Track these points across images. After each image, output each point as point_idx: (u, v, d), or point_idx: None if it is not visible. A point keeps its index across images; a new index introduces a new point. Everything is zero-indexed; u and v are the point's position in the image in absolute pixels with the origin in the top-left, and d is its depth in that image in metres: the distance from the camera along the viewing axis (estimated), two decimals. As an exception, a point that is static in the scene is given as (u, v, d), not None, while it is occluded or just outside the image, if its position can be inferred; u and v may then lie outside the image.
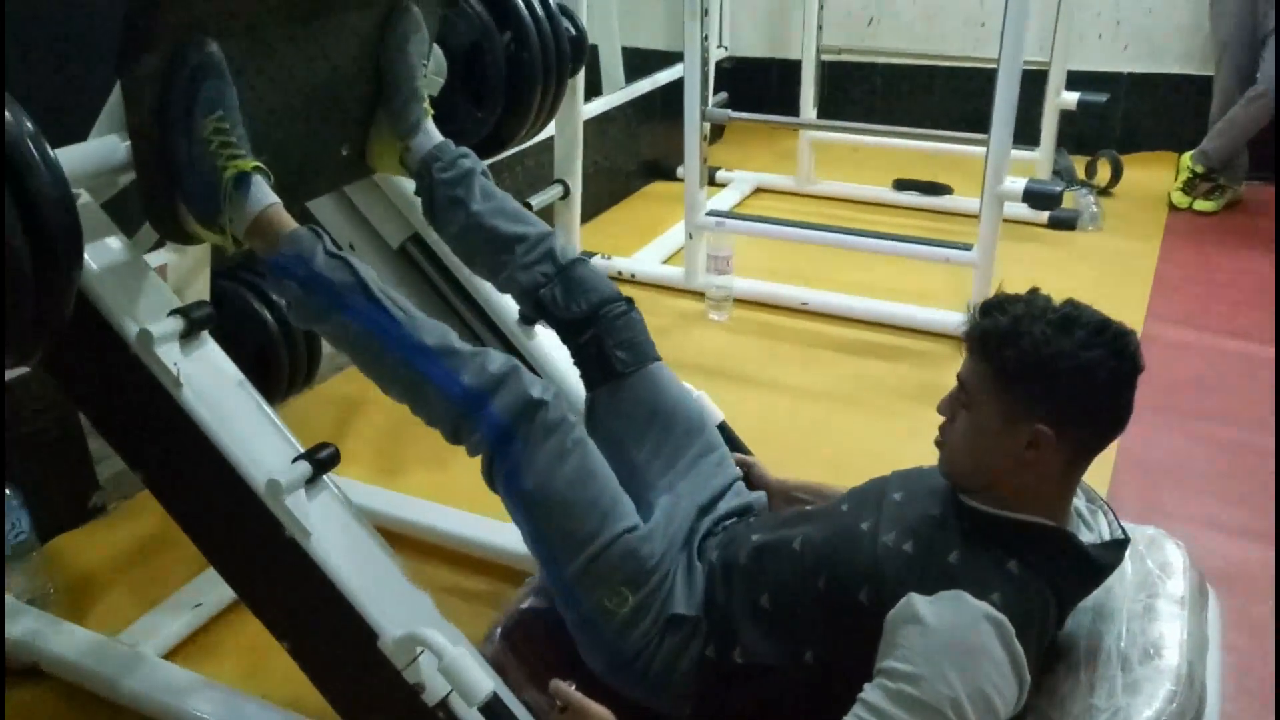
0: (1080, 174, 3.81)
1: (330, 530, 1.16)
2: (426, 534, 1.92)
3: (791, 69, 3.91)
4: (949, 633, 0.98)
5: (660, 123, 4.00)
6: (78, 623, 1.70)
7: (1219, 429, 2.29)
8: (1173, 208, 3.64)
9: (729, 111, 3.36)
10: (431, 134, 1.48)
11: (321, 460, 1.19)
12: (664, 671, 1.20)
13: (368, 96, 1.47)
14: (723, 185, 3.95)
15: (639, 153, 4.06)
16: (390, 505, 1.96)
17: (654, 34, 4.21)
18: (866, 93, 4.54)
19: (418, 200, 1.53)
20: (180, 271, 1.76)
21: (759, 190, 4.00)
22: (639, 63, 3.91)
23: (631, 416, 1.37)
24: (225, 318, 1.65)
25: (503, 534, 1.87)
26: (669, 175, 4.11)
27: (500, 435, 1.19)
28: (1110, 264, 3.24)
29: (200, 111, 1.19)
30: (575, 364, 1.44)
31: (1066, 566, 1.08)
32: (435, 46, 1.59)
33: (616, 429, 1.36)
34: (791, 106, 3.89)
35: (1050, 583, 1.05)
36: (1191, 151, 3.61)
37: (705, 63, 2.94)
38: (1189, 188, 3.60)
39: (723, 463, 1.40)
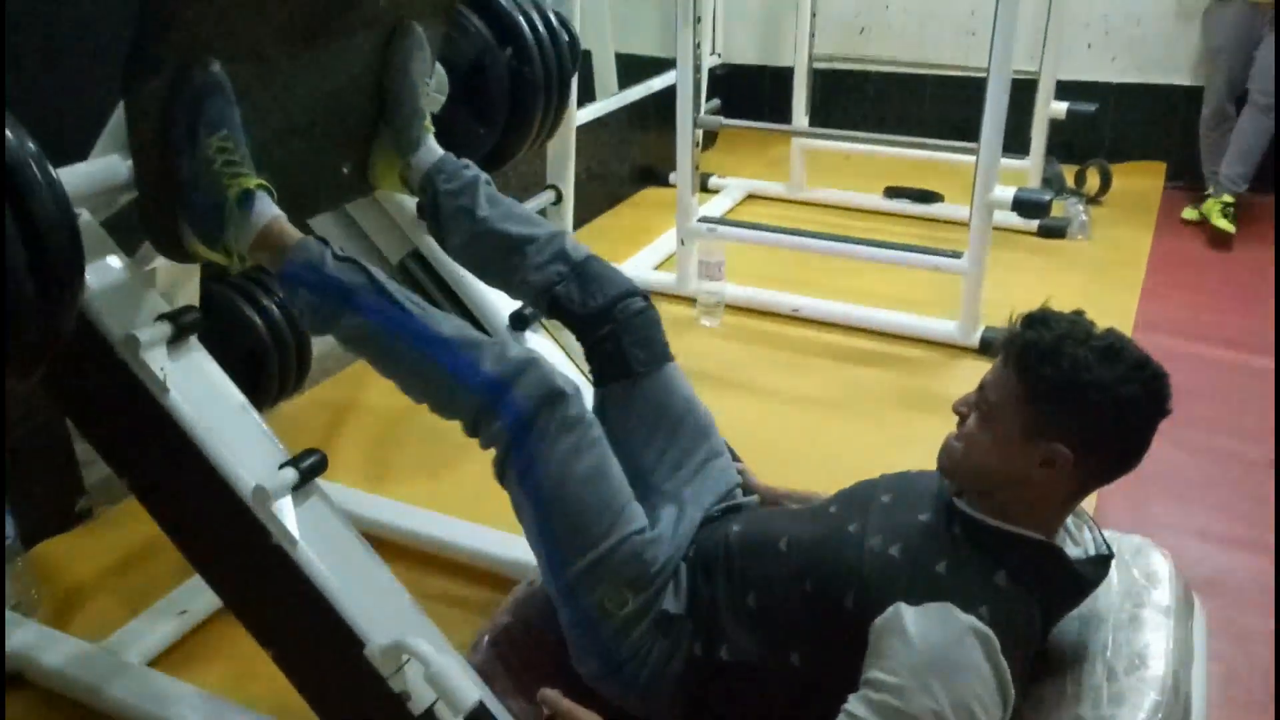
0: (1070, 183, 3.83)
1: (316, 537, 1.16)
2: (414, 540, 1.92)
3: (784, 76, 3.92)
4: (935, 646, 0.98)
5: (653, 129, 4.00)
6: (63, 629, 1.70)
7: (1207, 438, 2.29)
8: (1183, 222, 3.63)
9: (721, 118, 3.37)
10: (433, 150, 1.48)
11: (308, 467, 1.19)
12: (655, 675, 1.19)
13: (370, 114, 1.47)
14: (715, 192, 3.96)
15: (632, 159, 4.07)
16: (378, 511, 1.96)
17: (647, 40, 4.22)
18: (858, 100, 4.56)
19: (416, 216, 1.53)
20: (170, 275, 1.75)
21: (751, 197, 4.01)
22: (632, 69, 3.91)
23: (642, 416, 1.36)
24: (215, 322, 1.65)
25: (491, 541, 1.87)
26: (661, 181, 4.11)
27: (521, 424, 1.17)
28: (1099, 272, 3.26)
29: (204, 131, 1.19)
30: (588, 359, 1.41)
31: (1054, 582, 1.08)
32: (437, 64, 1.59)
33: (626, 427, 1.35)
34: (784, 114, 3.90)
35: (1037, 597, 1.06)
36: (1214, 189, 3.56)
37: (698, 69, 2.95)
38: (1227, 217, 3.51)
39: (727, 469, 1.40)
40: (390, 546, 1.84)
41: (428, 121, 1.49)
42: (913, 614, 1.00)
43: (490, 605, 1.34)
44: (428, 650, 1.06)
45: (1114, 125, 4.13)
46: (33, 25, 1.83)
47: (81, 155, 1.25)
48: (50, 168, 0.97)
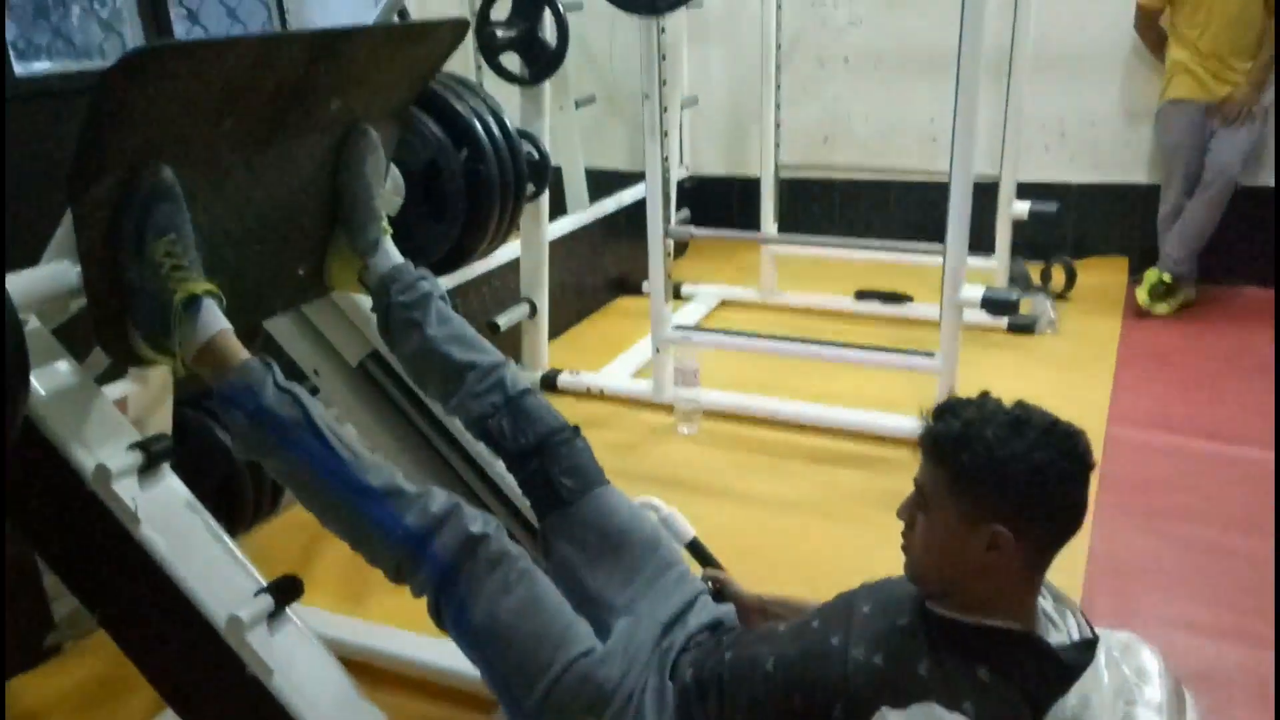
0: (1035, 280, 3.93)
1: (294, 665, 1.14)
2: (393, 662, 1.87)
3: (751, 186, 4.04)
4: None
5: (625, 240, 4.09)
6: (27, 772, 1.63)
7: (1189, 528, 2.30)
8: (1136, 313, 3.72)
9: (691, 228, 3.46)
10: (390, 254, 1.51)
11: (283, 593, 1.18)
12: None
13: (324, 217, 1.50)
14: (688, 299, 4.03)
15: (605, 269, 4.15)
16: (355, 634, 1.91)
17: (616, 155, 4.36)
18: (825, 206, 4.70)
19: (374, 317, 1.55)
20: (142, 402, 1.75)
21: (724, 303, 4.07)
22: (603, 183, 4.03)
23: (583, 541, 1.38)
24: (188, 448, 1.64)
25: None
26: (635, 290, 4.18)
27: (444, 574, 1.20)
28: (1070, 367, 3.31)
29: (151, 235, 1.21)
30: (523, 492, 1.46)
31: (1036, 670, 1.07)
32: (393, 166, 1.63)
33: (569, 555, 1.37)
34: (752, 222, 4.00)
35: (1021, 688, 1.05)
36: (1156, 265, 3.71)
37: (666, 182, 3.03)
38: (1154, 294, 3.69)
39: (683, 578, 1.39)
40: (368, 669, 1.79)
41: (385, 223, 1.52)
42: (897, 716, 1.00)
43: (473, 730, 1.31)
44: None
45: (1076, 223, 4.27)
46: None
47: (32, 261, 1.27)
48: None
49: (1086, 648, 1.11)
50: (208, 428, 1.82)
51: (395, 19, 1.74)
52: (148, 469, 1.20)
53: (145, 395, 1.75)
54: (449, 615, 1.21)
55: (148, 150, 1.17)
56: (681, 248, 4.50)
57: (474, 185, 1.73)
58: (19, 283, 1.13)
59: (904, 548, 1.15)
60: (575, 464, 1.42)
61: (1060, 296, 3.88)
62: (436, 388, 1.50)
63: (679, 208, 4.07)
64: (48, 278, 1.22)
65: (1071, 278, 3.92)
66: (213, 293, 1.25)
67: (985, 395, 1.13)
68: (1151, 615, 2.04)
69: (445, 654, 1.83)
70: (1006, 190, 3.68)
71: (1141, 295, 3.70)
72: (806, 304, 3.96)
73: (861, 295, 3.87)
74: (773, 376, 3.20)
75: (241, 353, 1.25)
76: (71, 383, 1.22)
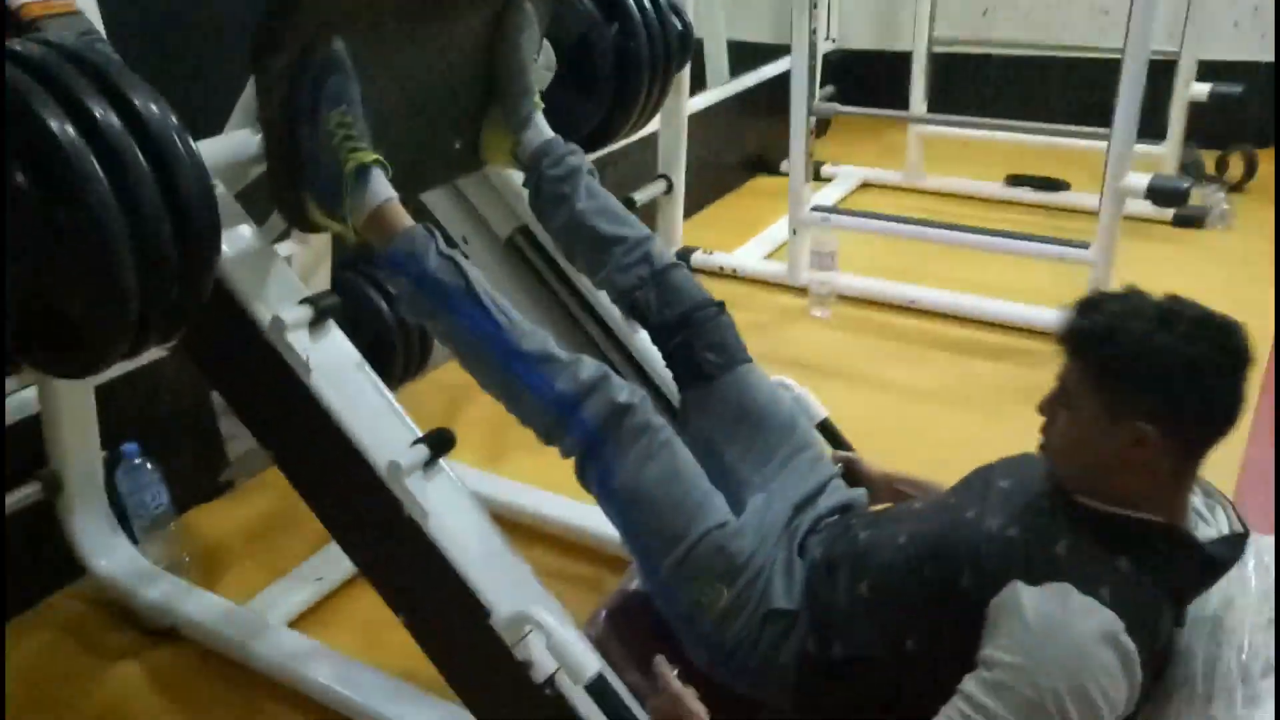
0: (1210, 169, 3.64)
1: (446, 511, 1.21)
2: (532, 519, 1.98)
3: (901, 61, 3.83)
4: (1053, 627, 0.96)
5: (765, 117, 3.98)
6: (210, 590, 1.82)
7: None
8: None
9: (836, 105, 3.33)
10: (542, 129, 1.53)
11: (438, 445, 1.24)
12: (764, 664, 1.21)
13: (480, 91, 1.52)
14: (828, 180, 3.92)
15: (743, 147, 4.06)
16: (497, 490, 2.03)
17: (760, 27, 4.19)
18: (980, 85, 4.43)
19: (525, 192, 1.58)
20: (304, 262, 1.86)
21: (865, 185, 3.94)
22: (744, 56, 3.90)
23: (721, 416, 1.40)
24: (344, 307, 1.74)
25: (604, 521, 1.90)
26: (773, 170, 4.09)
27: (591, 438, 1.25)
28: (1240, 265, 3.08)
29: (325, 106, 1.25)
30: (668, 365, 1.48)
31: (1181, 564, 1.05)
32: (544, 40, 1.63)
33: (707, 429, 1.39)
34: (900, 100, 3.82)
35: (1163, 582, 1.03)
36: None
37: (813, 55, 2.92)
38: None
39: (817, 461, 1.41)
40: (509, 524, 1.90)
41: (537, 99, 1.53)
42: (1030, 593, 0.99)
43: (605, 582, 1.39)
44: (551, 621, 1.11)
45: (1262, 108, 3.89)
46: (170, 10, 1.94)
47: (215, 130, 1.34)
48: (191, 141, 1.04)
49: (1236, 542, 1.07)
50: (362, 289, 1.92)
51: None
52: (316, 323, 1.28)
53: (307, 256, 1.85)
54: (594, 478, 1.27)
55: (321, 23, 1.21)
56: (824, 126, 4.34)
57: (623, 62, 1.70)
58: (208, 150, 1.18)
59: (1042, 445, 1.13)
60: (719, 340, 1.43)
61: (1236, 188, 3.59)
62: (585, 260, 1.53)
63: (824, 83, 3.91)
64: (232, 146, 1.28)
65: (1252, 168, 3.61)
66: (381, 163, 1.29)
67: (1132, 288, 1.07)
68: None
69: (580, 513, 1.94)
70: (1185, 70, 3.38)
71: None
72: (953, 189, 3.79)
73: (1013, 180, 3.68)
74: (913, 263, 3.11)
75: (407, 220, 1.30)
76: (252, 245, 1.30)
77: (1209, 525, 1.10)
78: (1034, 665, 0.94)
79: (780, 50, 3.51)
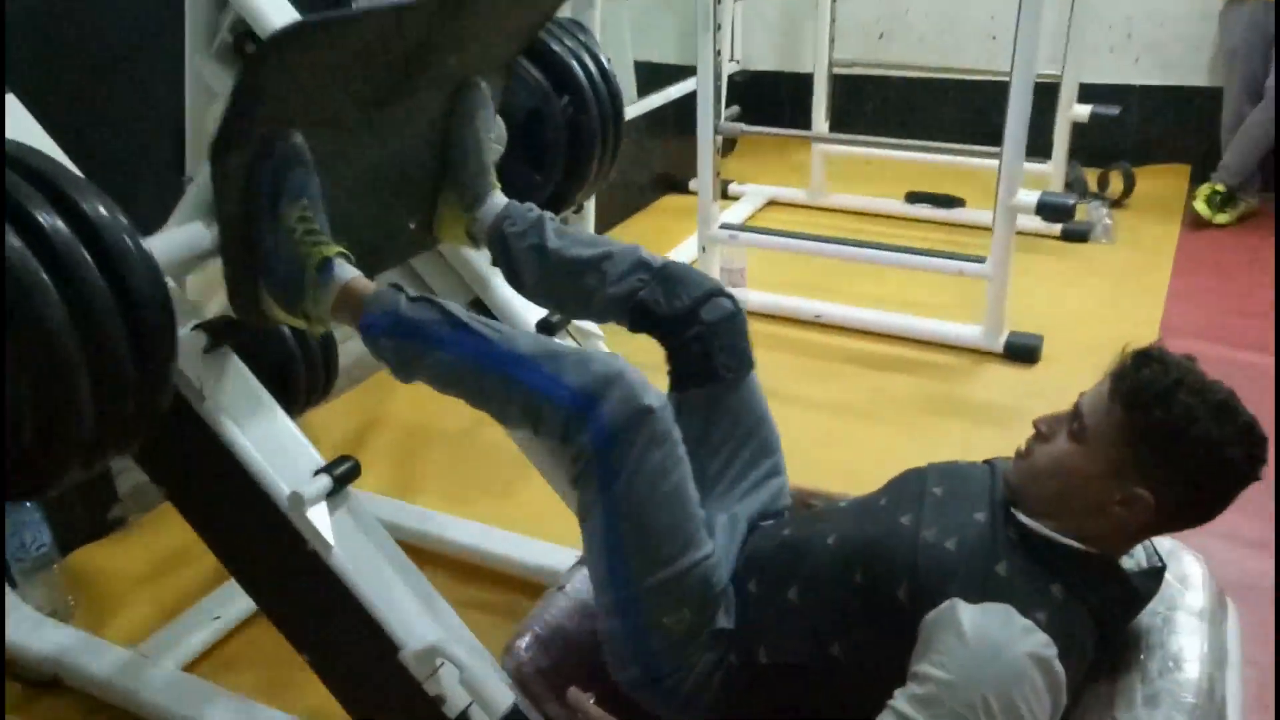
0: (1093, 186, 3.82)
1: (351, 543, 1.18)
2: (443, 546, 1.93)
3: (803, 82, 3.92)
4: (991, 645, 0.96)
5: (672, 136, 4.02)
6: (98, 635, 1.72)
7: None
8: (1194, 222, 3.61)
9: (741, 125, 3.38)
10: (498, 200, 1.47)
11: (342, 474, 1.20)
12: (698, 687, 1.19)
13: (434, 169, 1.48)
14: (735, 198, 3.97)
15: (652, 166, 4.09)
16: (407, 518, 1.98)
17: (665, 48, 4.23)
18: (879, 105, 4.56)
19: (474, 260, 1.53)
20: (200, 285, 1.78)
21: (771, 203, 4.01)
22: (650, 77, 3.93)
23: (717, 424, 1.34)
24: (244, 330, 1.67)
25: (520, 547, 1.89)
26: (682, 189, 4.13)
27: (608, 440, 1.14)
28: (1124, 277, 3.24)
29: (285, 201, 1.19)
30: (670, 361, 1.39)
31: (1110, 594, 1.07)
32: (496, 115, 1.59)
33: (698, 433, 1.32)
34: (804, 119, 3.90)
35: (1093, 610, 1.05)
36: (1213, 174, 3.60)
37: (718, 76, 2.95)
38: (1211, 204, 3.57)
39: (783, 489, 1.39)
40: (420, 553, 1.85)
41: (493, 177, 1.48)
42: (970, 611, 0.99)
43: (520, 611, 1.35)
44: (462, 655, 1.07)
45: (1138, 127, 4.11)
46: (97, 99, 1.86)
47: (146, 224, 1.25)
48: (142, 243, 0.96)
49: (1155, 575, 1.11)
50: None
51: None
52: (211, 349, 1.22)
53: (202, 279, 1.77)
54: (596, 481, 1.16)
55: (281, 117, 1.17)
56: (730, 145, 4.40)
57: (575, 133, 1.68)
58: (160, 247, 1.11)
59: (1021, 455, 1.12)
60: (735, 343, 1.36)
61: (1117, 204, 3.78)
62: (575, 293, 1.42)
63: (729, 103, 3.97)
64: (184, 240, 1.21)
65: (1130, 184, 3.81)
66: (343, 253, 1.24)
67: (1191, 358, 1.07)
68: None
69: (494, 539, 1.91)
70: (1068, 92, 3.55)
71: (1200, 205, 3.58)
72: (856, 206, 3.89)
73: (913, 198, 3.79)
74: (820, 279, 3.17)
75: (371, 287, 1.24)
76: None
77: (1129, 558, 1.13)
78: (969, 682, 0.94)
79: (686, 71, 3.55)
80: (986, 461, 1.21)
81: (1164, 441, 1.02)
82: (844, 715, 1.04)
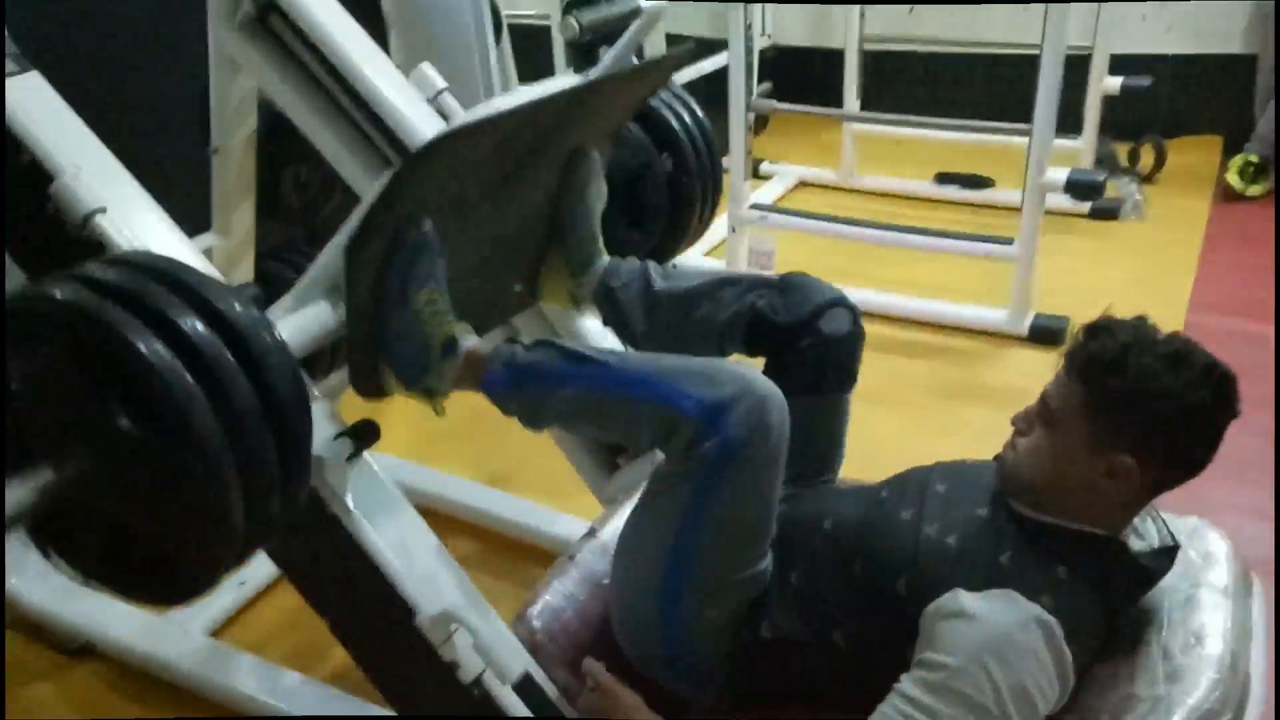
0: (1123, 161, 3.74)
1: (370, 507, 1.18)
2: (460, 512, 1.94)
3: (833, 58, 3.87)
4: (997, 628, 0.96)
5: (704, 111, 3.96)
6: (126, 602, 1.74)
7: (1265, 417, 2.22)
8: (1226, 195, 3.54)
9: (774, 102, 3.33)
10: (601, 262, 1.46)
11: (361, 437, 1.21)
12: (710, 667, 1.20)
13: (542, 235, 1.48)
14: (767, 178, 3.93)
15: (679, 143, 4.04)
16: (425, 482, 1.98)
17: (696, 20, 4.18)
18: (909, 83, 4.49)
19: (565, 317, 1.55)
20: (226, 252, 1.80)
21: (802, 184, 3.97)
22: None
23: (797, 435, 1.24)
24: (269, 298, 1.68)
25: (535, 514, 1.89)
26: (709, 165, 4.08)
27: (730, 451, 1.10)
28: (1154, 254, 3.17)
29: (414, 287, 1.18)
30: (774, 364, 1.36)
31: (1117, 575, 1.07)
32: None
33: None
34: (834, 97, 3.85)
35: (1100, 590, 1.05)
36: (1246, 145, 3.52)
37: (749, 50, 2.91)
38: (1244, 176, 3.51)
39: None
40: (436, 518, 1.84)
41: (600, 244, 1.47)
42: (974, 598, 0.99)
43: (533, 578, 1.36)
44: (477, 620, 1.08)
45: (1169, 99, 4.00)
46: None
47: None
48: (278, 334, 0.96)
49: (1167, 555, 1.10)
50: (287, 278, 1.86)
51: (633, 59, 1.66)
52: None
53: (229, 246, 1.79)
54: (695, 484, 1.13)
55: (416, 208, 1.18)
56: (762, 123, 4.36)
57: (675, 193, 1.66)
58: (289, 333, 1.12)
59: (1007, 450, 1.13)
60: (847, 363, 1.35)
61: (1148, 179, 3.70)
62: (694, 325, 1.38)
63: (760, 80, 3.92)
64: (312, 322, 1.21)
65: (1161, 158, 3.72)
66: (466, 330, 1.24)
67: (1142, 319, 1.08)
68: (1222, 503, 1.98)
69: (510, 504, 1.92)
70: (1099, 64, 3.45)
71: (1232, 177, 3.51)
72: (886, 187, 3.83)
73: (942, 179, 3.75)
74: (848, 262, 3.13)
75: (488, 348, 1.24)
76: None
77: (1141, 538, 1.12)
78: (977, 665, 0.94)
79: (718, 45, 3.51)
80: (997, 457, 1.20)
81: (1128, 405, 1.02)
82: (850, 692, 1.04)
